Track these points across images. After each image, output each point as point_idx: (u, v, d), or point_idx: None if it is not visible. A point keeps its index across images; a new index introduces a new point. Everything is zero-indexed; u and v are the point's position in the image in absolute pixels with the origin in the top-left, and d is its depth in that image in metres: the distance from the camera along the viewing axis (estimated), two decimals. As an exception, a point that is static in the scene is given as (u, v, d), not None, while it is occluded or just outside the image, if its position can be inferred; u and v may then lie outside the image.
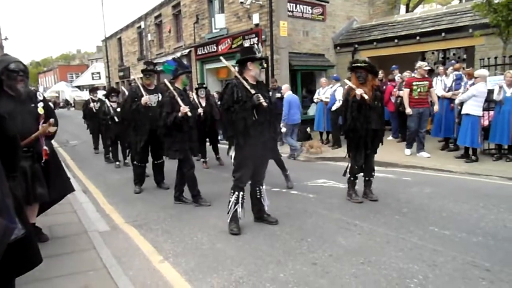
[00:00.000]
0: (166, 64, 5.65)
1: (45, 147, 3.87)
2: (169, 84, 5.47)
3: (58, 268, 3.58)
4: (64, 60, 78.40)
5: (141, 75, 6.78)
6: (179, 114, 5.21)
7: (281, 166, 6.42)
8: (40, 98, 3.91)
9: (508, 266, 3.35)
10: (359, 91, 5.05)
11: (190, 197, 5.65)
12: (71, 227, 4.69)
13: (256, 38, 13.04)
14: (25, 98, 3.70)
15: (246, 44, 13.50)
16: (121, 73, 26.92)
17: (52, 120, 3.84)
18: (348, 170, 5.51)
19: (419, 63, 8.30)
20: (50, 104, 4.45)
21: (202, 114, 7.70)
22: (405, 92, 8.21)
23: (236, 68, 4.53)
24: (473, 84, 7.56)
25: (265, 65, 12.78)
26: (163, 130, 5.45)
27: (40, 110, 3.82)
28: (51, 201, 4.13)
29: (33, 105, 3.79)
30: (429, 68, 8.44)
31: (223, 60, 4.86)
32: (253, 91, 4.20)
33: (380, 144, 5.51)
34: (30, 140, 3.65)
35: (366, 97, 5.03)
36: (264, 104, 4.15)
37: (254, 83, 4.38)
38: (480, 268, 3.33)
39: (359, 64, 5.25)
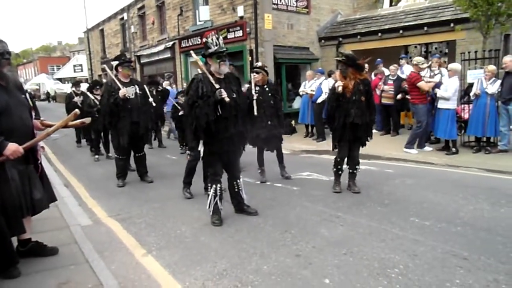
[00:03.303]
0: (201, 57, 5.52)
1: (42, 144, 3.58)
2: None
3: (39, 263, 3.52)
4: (45, 52, 76.69)
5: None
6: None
7: (280, 157, 6.47)
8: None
9: (485, 254, 3.44)
10: (337, 84, 5.18)
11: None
12: (52, 222, 4.61)
13: (241, 31, 12.98)
14: (13, 87, 3.29)
15: (230, 36, 13.42)
16: (104, 65, 26.46)
17: (77, 110, 3.53)
18: (333, 163, 5.58)
19: (416, 59, 8.25)
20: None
21: None
22: (423, 84, 7.77)
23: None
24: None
25: (249, 58, 12.76)
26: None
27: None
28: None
29: (23, 95, 3.42)
30: (427, 65, 8.29)
31: (194, 55, 4.76)
32: (217, 86, 4.17)
33: (369, 138, 5.55)
34: (44, 136, 3.33)
35: (339, 89, 5.12)
36: (227, 99, 4.12)
37: (221, 77, 4.35)
38: (458, 257, 3.42)
39: (337, 58, 5.32)
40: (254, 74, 6.12)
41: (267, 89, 6.13)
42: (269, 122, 6.03)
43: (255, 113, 5.61)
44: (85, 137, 10.99)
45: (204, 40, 4.56)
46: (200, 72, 4.43)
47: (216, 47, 4.28)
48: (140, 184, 6.58)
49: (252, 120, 5.53)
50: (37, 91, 42.93)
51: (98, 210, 5.29)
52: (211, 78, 4.24)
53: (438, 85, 7.85)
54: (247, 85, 6.07)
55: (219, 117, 4.20)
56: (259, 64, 6.39)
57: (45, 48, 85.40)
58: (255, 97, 5.78)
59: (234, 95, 4.32)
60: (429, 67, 8.42)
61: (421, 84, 7.74)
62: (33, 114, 3.50)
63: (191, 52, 5.06)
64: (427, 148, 8.22)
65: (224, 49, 4.37)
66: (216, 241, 4.02)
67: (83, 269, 3.43)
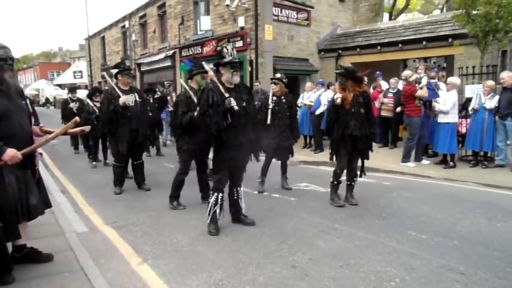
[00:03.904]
0: (183, 64, 5.71)
1: (40, 150, 3.54)
2: (185, 84, 5.52)
3: (33, 269, 3.50)
4: (45, 58, 76.83)
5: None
6: (195, 113, 5.18)
7: (284, 168, 6.53)
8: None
9: (481, 269, 3.43)
10: (336, 96, 5.22)
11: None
12: (47, 228, 4.59)
13: (242, 41, 13.07)
14: (14, 93, 3.27)
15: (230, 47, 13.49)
16: (103, 73, 26.56)
17: (77, 118, 3.55)
18: (332, 174, 5.58)
19: (404, 73, 8.37)
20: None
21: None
22: (422, 92, 7.74)
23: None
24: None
25: (249, 68, 12.84)
26: (179, 130, 5.45)
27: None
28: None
29: (23, 101, 3.38)
30: (416, 77, 8.36)
31: (205, 65, 4.86)
32: (227, 95, 4.22)
33: (370, 151, 5.56)
34: (43, 142, 3.33)
35: (338, 101, 5.16)
36: (236, 108, 4.17)
37: (231, 86, 4.40)
38: (455, 271, 3.41)
39: (336, 71, 5.38)
40: (273, 85, 6.28)
41: (283, 100, 6.25)
42: (282, 134, 6.13)
43: (269, 121, 5.89)
44: (83, 144, 10.99)
45: (218, 49, 4.69)
46: (209, 81, 4.52)
47: (230, 57, 4.37)
48: (137, 192, 6.56)
49: (265, 128, 5.76)
50: (36, 97, 42.97)
51: (95, 217, 5.26)
52: (221, 87, 4.29)
53: (428, 85, 7.96)
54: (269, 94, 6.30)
55: (229, 126, 4.25)
56: (278, 75, 6.44)
57: (46, 54, 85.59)
58: (270, 106, 6.03)
59: (244, 104, 4.37)
60: (415, 70, 8.56)
61: (419, 93, 7.76)
62: (33, 120, 3.50)
63: (203, 62, 5.15)
64: (424, 161, 8.23)
65: (238, 60, 4.50)
66: (212, 251, 4.01)
67: (77, 277, 3.41)
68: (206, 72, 4.82)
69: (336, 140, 5.33)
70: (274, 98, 6.19)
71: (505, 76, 7.34)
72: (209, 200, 4.51)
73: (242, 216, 4.79)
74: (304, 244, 4.11)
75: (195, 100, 5.22)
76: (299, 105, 11.24)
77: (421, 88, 7.73)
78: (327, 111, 5.51)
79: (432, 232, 4.37)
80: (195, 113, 5.09)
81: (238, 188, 4.72)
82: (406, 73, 8.32)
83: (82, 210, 5.61)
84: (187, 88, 5.47)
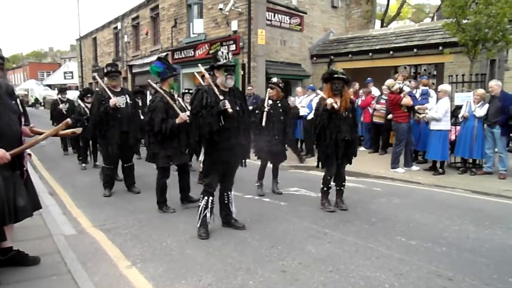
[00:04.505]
0: (154, 66, 5.51)
1: (29, 151, 3.49)
2: (158, 88, 5.39)
3: (20, 272, 3.44)
4: (35, 58, 75.97)
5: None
6: (177, 121, 5.16)
7: (275, 173, 6.55)
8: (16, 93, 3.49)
9: (469, 275, 3.46)
10: (329, 101, 5.16)
11: (195, 197, 5.49)
12: (35, 230, 4.52)
13: (234, 45, 13.09)
14: (4, 92, 3.21)
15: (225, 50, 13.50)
16: (94, 74, 26.35)
17: (69, 120, 3.51)
18: (322, 180, 5.58)
19: (387, 83, 8.53)
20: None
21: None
22: (407, 100, 7.98)
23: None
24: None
25: (241, 72, 12.85)
26: (153, 137, 5.33)
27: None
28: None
29: (13, 101, 3.31)
30: (398, 86, 8.46)
31: (201, 67, 4.86)
32: (221, 97, 4.22)
33: (354, 156, 5.60)
34: (33, 144, 3.28)
35: (336, 106, 5.15)
36: (230, 110, 4.17)
37: (226, 89, 4.40)
38: (443, 277, 3.44)
39: (339, 75, 5.32)
40: (269, 89, 6.32)
41: (279, 104, 6.26)
42: (275, 137, 6.15)
43: (263, 124, 5.95)
44: (73, 145, 10.88)
45: (212, 51, 4.68)
46: (203, 84, 4.52)
47: (225, 60, 4.39)
48: (127, 195, 6.50)
49: (260, 131, 5.86)
50: (25, 97, 42.43)
51: (83, 220, 5.20)
52: (215, 89, 4.29)
53: (410, 93, 8.24)
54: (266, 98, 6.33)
55: (222, 128, 4.23)
56: (275, 80, 6.45)
57: (36, 54, 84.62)
58: (266, 109, 6.07)
59: (238, 108, 4.36)
60: (395, 80, 8.72)
61: (404, 101, 7.96)
62: (23, 120, 3.45)
63: (199, 65, 5.12)
64: (414, 167, 8.31)
65: (233, 63, 4.51)
66: (202, 255, 3.99)
67: (65, 280, 3.36)
68: (177, 74, 4.77)
69: (331, 146, 5.30)
70: (270, 101, 6.22)
71: (493, 85, 7.45)
72: (199, 203, 4.49)
73: (232, 220, 4.77)
74: (294, 249, 4.11)
75: (176, 107, 5.23)
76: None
77: (404, 96, 7.94)
78: (318, 117, 5.42)
79: (421, 238, 4.41)
80: (177, 121, 5.13)
81: (229, 192, 4.71)
82: (389, 82, 8.44)
83: (71, 213, 5.54)
84: (162, 92, 5.29)
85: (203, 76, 5.30)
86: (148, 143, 5.59)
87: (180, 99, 8.32)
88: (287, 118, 6.33)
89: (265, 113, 6.06)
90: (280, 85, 6.34)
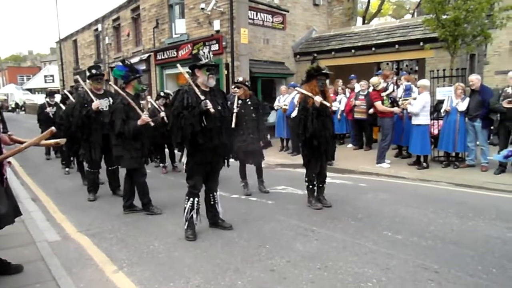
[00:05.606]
0: (116, 69, 5.43)
1: (9, 159, 3.40)
2: (120, 90, 5.30)
3: (1, 282, 3.36)
4: (14, 62, 74.39)
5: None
6: (139, 123, 5.10)
7: (259, 172, 6.51)
8: None
9: (454, 267, 3.52)
10: (318, 99, 5.10)
11: (140, 205, 5.52)
12: (17, 238, 4.42)
13: (217, 45, 13.03)
14: None
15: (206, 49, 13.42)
16: (77, 76, 25.93)
17: (53, 128, 3.43)
18: (306, 178, 5.59)
19: (372, 81, 8.57)
20: None
21: (165, 118, 7.38)
22: (379, 105, 8.15)
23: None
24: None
25: (225, 71, 12.81)
26: (114, 139, 5.29)
27: None
28: None
29: None
30: (383, 86, 8.55)
31: (179, 67, 4.80)
32: (202, 98, 4.19)
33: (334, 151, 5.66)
34: (15, 152, 3.22)
35: (327, 104, 5.15)
36: (212, 110, 4.14)
37: (207, 89, 4.37)
38: (429, 270, 3.48)
39: (326, 71, 5.33)
40: (236, 89, 6.28)
41: (249, 102, 6.22)
42: (250, 135, 6.12)
43: (233, 125, 5.77)
44: (55, 150, 10.66)
45: (194, 51, 4.60)
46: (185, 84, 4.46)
47: (207, 60, 4.34)
48: (112, 198, 6.41)
49: (233, 133, 5.65)
50: (5, 102, 41.52)
51: (67, 225, 5.10)
52: (196, 89, 4.25)
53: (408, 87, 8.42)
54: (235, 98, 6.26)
55: (204, 128, 4.20)
56: (240, 79, 6.45)
57: (15, 58, 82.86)
58: (235, 110, 5.99)
59: (219, 108, 4.34)
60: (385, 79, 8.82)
61: (377, 104, 8.15)
62: (1, 127, 3.37)
63: (178, 65, 5.06)
64: (385, 164, 8.30)
65: (214, 63, 4.49)
66: (189, 256, 3.95)
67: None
68: (141, 76, 4.72)
69: (317, 143, 5.24)
70: (240, 101, 6.18)
71: (473, 79, 7.58)
72: (184, 205, 4.45)
73: (219, 221, 4.75)
74: (282, 247, 4.11)
75: (137, 109, 5.18)
76: (275, 108, 11.31)
77: (382, 103, 8.14)
78: (309, 116, 5.18)
79: (407, 232, 4.46)
80: (138, 122, 5.08)
81: (215, 193, 4.67)
82: (374, 81, 8.50)
83: (54, 218, 5.43)
84: (124, 94, 5.22)
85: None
86: (112, 145, 5.49)
87: (153, 101, 8.26)
88: (259, 115, 6.31)
89: (234, 115, 5.93)
90: (246, 83, 6.33)
